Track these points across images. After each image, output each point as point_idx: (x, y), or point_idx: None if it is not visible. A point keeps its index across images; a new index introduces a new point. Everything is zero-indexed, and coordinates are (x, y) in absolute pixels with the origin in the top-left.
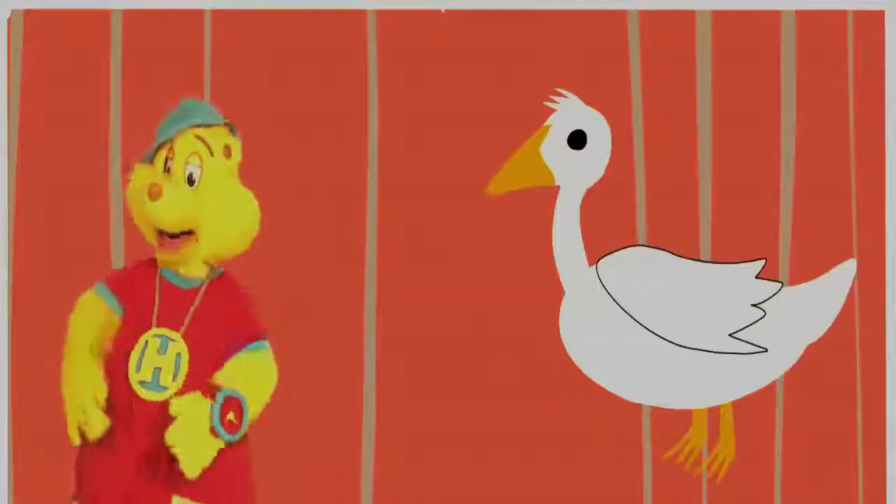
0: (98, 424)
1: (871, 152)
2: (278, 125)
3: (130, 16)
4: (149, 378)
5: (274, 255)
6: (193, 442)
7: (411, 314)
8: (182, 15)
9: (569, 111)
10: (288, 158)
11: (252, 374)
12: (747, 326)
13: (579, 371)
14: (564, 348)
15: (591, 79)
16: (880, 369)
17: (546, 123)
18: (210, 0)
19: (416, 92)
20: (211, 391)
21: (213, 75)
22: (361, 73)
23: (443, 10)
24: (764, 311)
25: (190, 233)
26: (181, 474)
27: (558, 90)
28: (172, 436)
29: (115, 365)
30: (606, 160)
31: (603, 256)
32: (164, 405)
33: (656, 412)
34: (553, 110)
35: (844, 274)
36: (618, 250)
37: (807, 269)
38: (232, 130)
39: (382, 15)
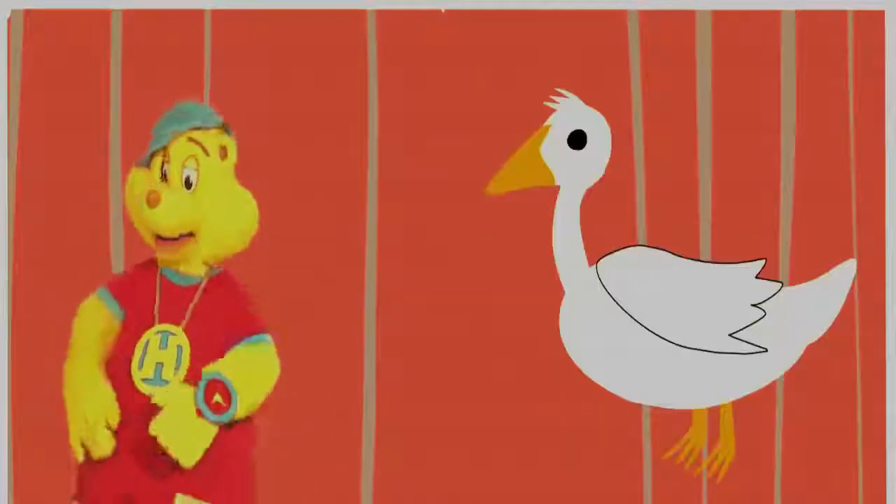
0: (105, 444)
1: (871, 152)
2: (278, 125)
3: (130, 16)
4: (151, 374)
5: (274, 255)
6: (180, 429)
7: (411, 314)
8: (182, 15)
9: (569, 111)
10: (288, 158)
11: (251, 365)
12: (747, 326)
13: (579, 371)
14: (564, 348)
15: (591, 79)
16: (880, 369)
17: (546, 123)
18: (210, 0)
19: (416, 92)
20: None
21: (213, 75)
22: (361, 73)
23: (443, 10)
24: (764, 311)
25: (189, 234)
26: (182, 469)
27: (558, 90)
28: (156, 426)
29: (117, 367)
30: (606, 160)
31: (603, 256)
32: None
33: (656, 412)
34: (553, 110)
35: (844, 274)
36: (618, 250)
37: (807, 269)
38: (226, 130)
39: (382, 15)
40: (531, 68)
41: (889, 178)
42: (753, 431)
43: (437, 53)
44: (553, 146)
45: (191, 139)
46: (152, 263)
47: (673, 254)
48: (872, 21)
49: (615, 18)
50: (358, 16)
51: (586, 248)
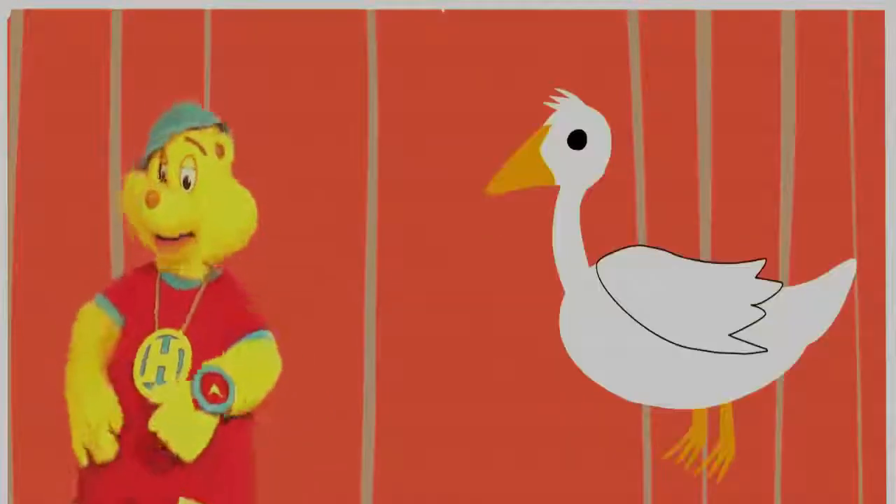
0: (108, 448)
1: (871, 152)
2: (278, 125)
3: (130, 16)
4: (153, 378)
5: (274, 255)
6: (179, 423)
7: (411, 314)
8: (182, 15)
9: (569, 111)
10: (288, 158)
11: (252, 361)
12: (747, 326)
13: (579, 371)
14: (564, 348)
15: (591, 79)
16: (880, 369)
17: (546, 123)
18: (210, 0)
19: (416, 92)
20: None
21: (213, 75)
22: (361, 73)
23: (443, 10)
24: (764, 311)
25: (189, 234)
26: (183, 464)
27: (558, 90)
28: (156, 421)
29: (118, 372)
30: (606, 160)
31: (603, 256)
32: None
33: (656, 412)
34: (553, 110)
35: (844, 274)
36: (618, 250)
37: (807, 269)
38: (223, 129)
39: (382, 15)
40: (531, 68)
41: (889, 178)
42: (753, 431)
43: (437, 53)
44: (553, 146)
45: (188, 139)
46: (151, 268)
47: (673, 254)
48: (872, 21)
49: (615, 18)
50: (358, 16)
51: (586, 248)
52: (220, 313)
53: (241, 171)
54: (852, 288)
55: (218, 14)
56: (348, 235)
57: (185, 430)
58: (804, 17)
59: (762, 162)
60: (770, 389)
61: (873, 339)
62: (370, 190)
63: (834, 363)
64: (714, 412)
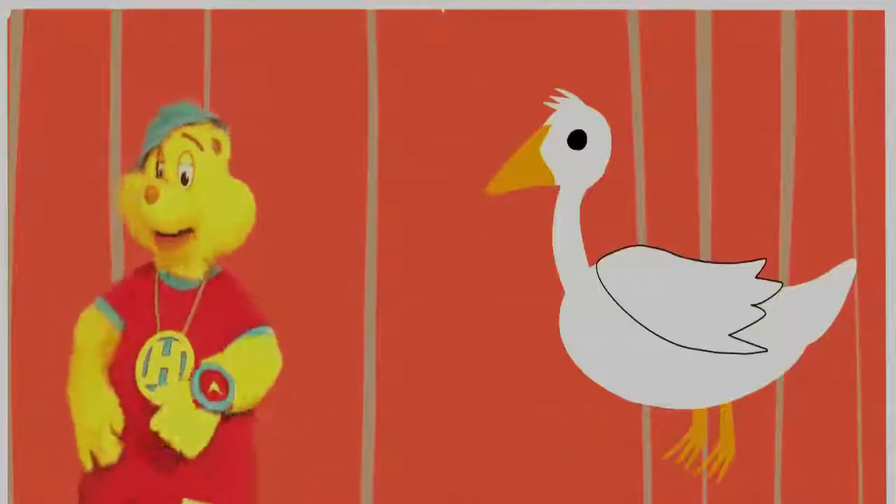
0: (111, 451)
1: (871, 152)
2: (279, 125)
3: (130, 16)
4: (156, 380)
5: (274, 254)
6: (180, 421)
7: (411, 314)
8: (182, 15)
9: (569, 111)
10: (288, 158)
11: (252, 357)
12: (747, 326)
13: (579, 371)
14: (564, 348)
15: (591, 79)
16: (880, 369)
17: (546, 123)
18: (210, 0)
19: (416, 92)
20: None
21: (213, 75)
22: (361, 73)
23: (443, 10)
24: (764, 311)
25: (189, 231)
26: (186, 462)
27: (558, 90)
28: (157, 421)
29: (120, 375)
30: (606, 160)
31: (603, 256)
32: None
33: (656, 412)
34: (553, 110)
35: (844, 274)
36: (618, 250)
37: (807, 269)
38: (218, 124)
39: (382, 15)
40: (531, 68)
41: (889, 178)
42: (753, 431)
43: (437, 53)
44: (553, 146)
45: (185, 135)
46: (150, 269)
47: (673, 254)
48: (872, 21)
49: (615, 18)
50: (358, 16)
51: (586, 248)
52: (220, 311)
53: (242, 170)
54: (852, 288)
55: (218, 14)
56: (348, 235)
57: (186, 428)
58: (804, 17)
59: (762, 162)
60: (770, 389)
61: (873, 339)
62: (370, 190)
63: (834, 363)
64: (714, 412)
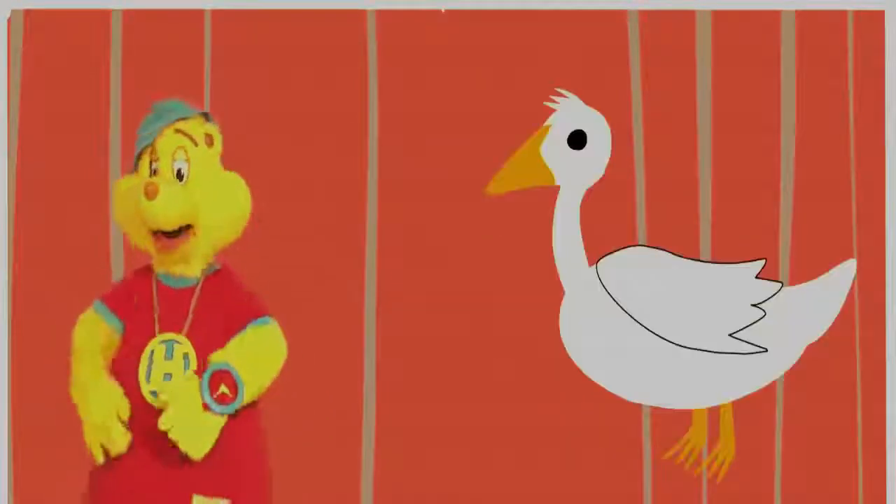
0: (121, 441)
1: (871, 152)
2: (278, 125)
3: (130, 16)
4: (159, 387)
5: (274, 254)
6: (188, 422)
7: (411, 314)
8: (182, 15)
9: (569, 111)
10: (288, 158)
11: (258, 348)
12: (747, 326)
13: (579, 371)
14: (564, 348)
15: (591, 79)
16: (880, 369)
17: (546, 123)
18: (210, 0)
19: (416, 92)
20: (203, 367)
21: (213, 75)
22: (361, 73)
23: (443, 10)
24: (764, 311)
25: (188, 228)
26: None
27: (558, 90)
28: (165, 421)
29: (121, 377)
30: (606, 160)
31: (603, 256)
32: None
33: (656, 412)
34: (553, 110)
35: (844, 274)
36: (618, 250)
37: (807, 269)
38: (208, 118)
39: (382, 15)
40: (531, 68)
41: (889, 178)
42: (753, 431)
43: (437, 53)
44: (553, 146)
45: (177, 130)
46: (148, 269)
47: (673, 254)
48: (872, 21)
49: (615, 18)
50: (358, 16)
51: (586, 248)
52: (220, 305)
53: (242, 171)
54: (852, 288)
55: (218, 14)
56: (348, 235)
57: (193, 430)
58: (804, 17)
59: (762, 162)
60: (770, 389)
61: (873, 339)
62: (370, 190)
63: (834, 363)
64: (714, 412)
